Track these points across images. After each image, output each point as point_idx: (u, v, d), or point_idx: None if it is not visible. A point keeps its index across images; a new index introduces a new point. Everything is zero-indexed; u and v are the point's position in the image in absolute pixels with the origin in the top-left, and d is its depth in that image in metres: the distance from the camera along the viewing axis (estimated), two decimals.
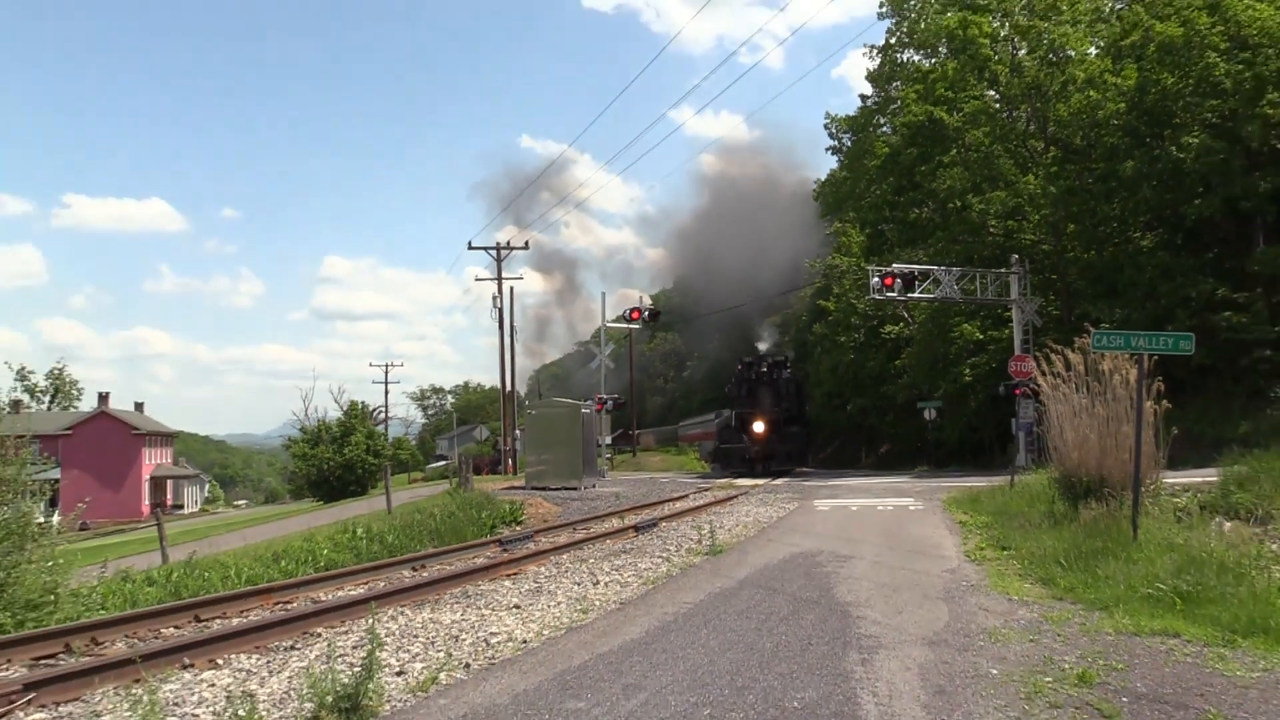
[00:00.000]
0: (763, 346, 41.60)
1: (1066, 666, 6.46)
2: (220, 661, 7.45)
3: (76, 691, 6.55)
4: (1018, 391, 28.38)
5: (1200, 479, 16.22)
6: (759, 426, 36.98)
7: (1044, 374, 13.90)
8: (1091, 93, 30.68)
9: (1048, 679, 6.17)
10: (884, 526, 15.94)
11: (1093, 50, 33.84)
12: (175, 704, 6.21)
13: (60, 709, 6.29)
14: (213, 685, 6.70)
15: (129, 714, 5.64)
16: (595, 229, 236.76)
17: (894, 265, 33.04)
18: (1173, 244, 30.49)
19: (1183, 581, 8.39)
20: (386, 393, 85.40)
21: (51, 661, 8.01)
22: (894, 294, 31.92)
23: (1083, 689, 5.94)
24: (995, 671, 6.40)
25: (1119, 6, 36.38)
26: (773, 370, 39.83)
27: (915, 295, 32.38)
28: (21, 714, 6.11)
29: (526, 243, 55.87)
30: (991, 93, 35.87)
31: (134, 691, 6.09)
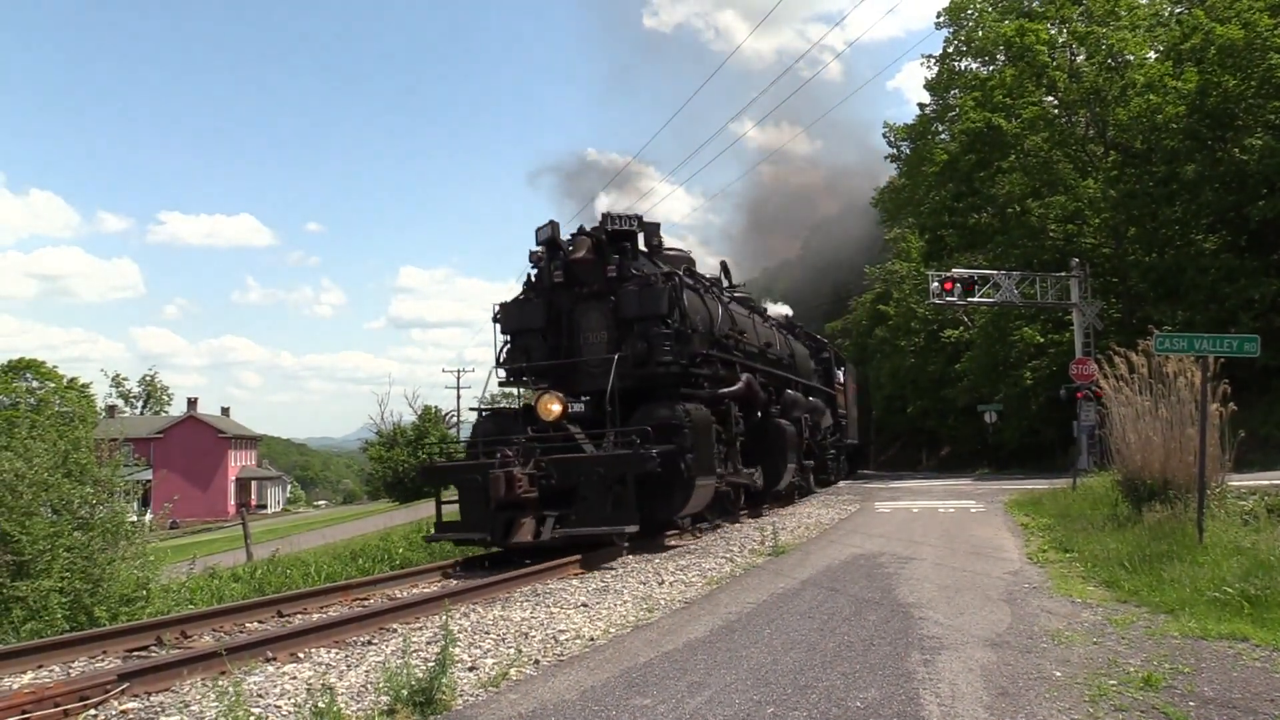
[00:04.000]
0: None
1: (1132, 670, 6.38)
2: (301, 655, 7.64)
3: (167, 682, 6.73)
4: (1079, 394, 28.12)
5: (1267, 481, 15.96)
6: (554, 406, 14.40)
7: (1106, 376, 13.81)
8: (1151, 96, 30.31)
9: (1112, 682, 6.10)
10: (945, 528, 15.88)
11: (1152, 55, 33.42)
12: (259, 695, 6.37)
13: (151, 699, 6.45)
14: (294, 678, 6.86)
15: (215, 704, 5.76)
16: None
17: (953, 270, 32.98)
18: (1236, 246, 30.03)
19: (1250, 585, 8.23)
20: (459, 397, 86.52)
21: (143, 653, 8.25)
22: (953, 298, 32.00)
23: (1148, 692, 5.86)
24: (1059, 674, 6.36)
25: (1178, 10, 35.87)
26: (604, 248, 15.21)
27: (975, 299, 32.38)
28: (116, 703, 6.30)
29: None
30: (1050, 98, 35.56)
31: (220, 683, 6.27)
